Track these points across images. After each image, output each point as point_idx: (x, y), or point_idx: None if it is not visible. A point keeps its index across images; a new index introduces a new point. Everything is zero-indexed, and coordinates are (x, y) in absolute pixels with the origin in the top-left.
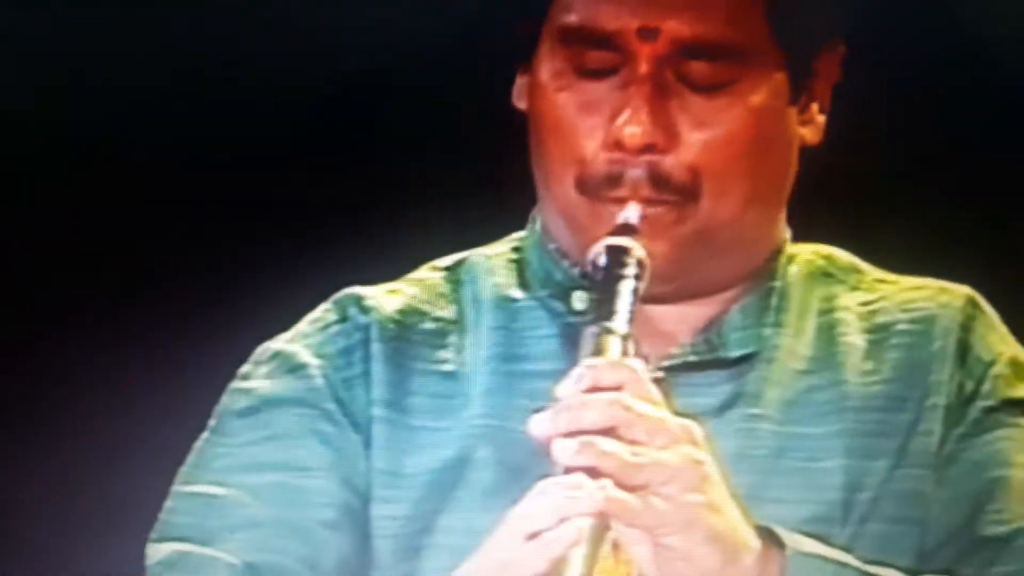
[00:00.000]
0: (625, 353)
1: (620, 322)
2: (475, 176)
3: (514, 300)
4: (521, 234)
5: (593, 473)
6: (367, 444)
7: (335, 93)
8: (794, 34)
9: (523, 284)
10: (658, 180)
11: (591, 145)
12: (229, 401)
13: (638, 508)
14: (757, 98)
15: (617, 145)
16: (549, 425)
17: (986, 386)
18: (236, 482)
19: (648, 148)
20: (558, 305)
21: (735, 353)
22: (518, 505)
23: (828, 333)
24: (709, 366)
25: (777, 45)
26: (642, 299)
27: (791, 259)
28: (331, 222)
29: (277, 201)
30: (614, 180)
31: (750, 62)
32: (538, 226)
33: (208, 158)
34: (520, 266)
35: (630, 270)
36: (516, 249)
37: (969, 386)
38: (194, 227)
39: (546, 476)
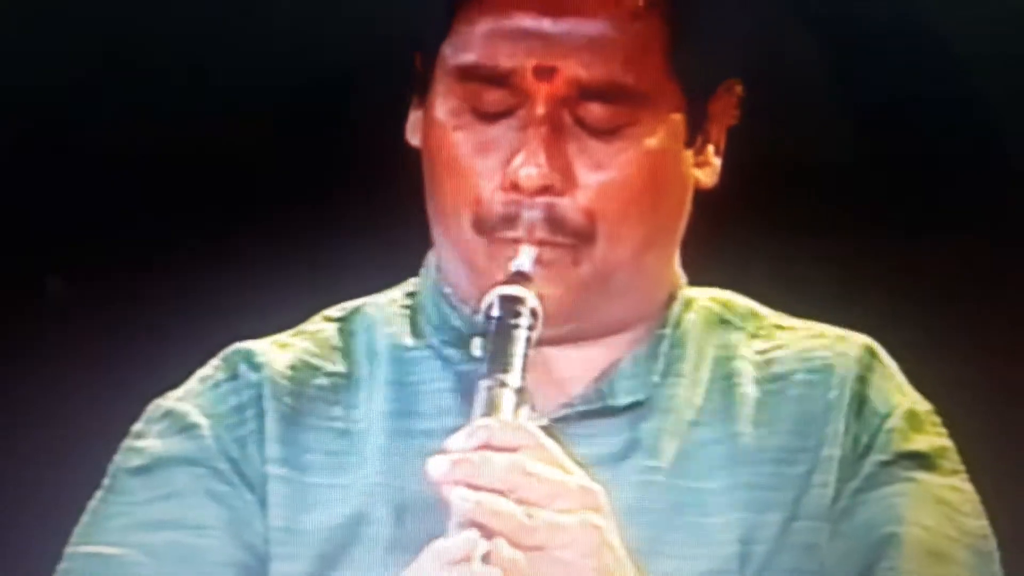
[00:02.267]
0: (519, 407)
1: (514, 375)
2: (373, 216)
3: (409, 350)
4: (415, 280)
5: (486, 532)
6: (262, 503)
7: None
8: (692, 73)
9: (416, 333)
10: (554, 222)
11: (488, 186)
12: (122, 459)
13: (531, 571)
14: (654, 141)
15: (513, 187)
16: (447, 471)
17: (880, 439)
18: (132, 541)
19: (544, 190)
20: (453, 353)
21: (623, 402)
22: (412, 569)
23: (724, 383)
24: (601, 415)
25: (675, 86)
26: (537, 342)
27: (688, 305)
28: (224, 268)
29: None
30: (510, 221)
31: (648, 104)
32: (432, 270)
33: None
34: (414, 313)
35: (523, 320)
36: (411, 295)
37: (864, 439)
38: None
39: (440, 533)
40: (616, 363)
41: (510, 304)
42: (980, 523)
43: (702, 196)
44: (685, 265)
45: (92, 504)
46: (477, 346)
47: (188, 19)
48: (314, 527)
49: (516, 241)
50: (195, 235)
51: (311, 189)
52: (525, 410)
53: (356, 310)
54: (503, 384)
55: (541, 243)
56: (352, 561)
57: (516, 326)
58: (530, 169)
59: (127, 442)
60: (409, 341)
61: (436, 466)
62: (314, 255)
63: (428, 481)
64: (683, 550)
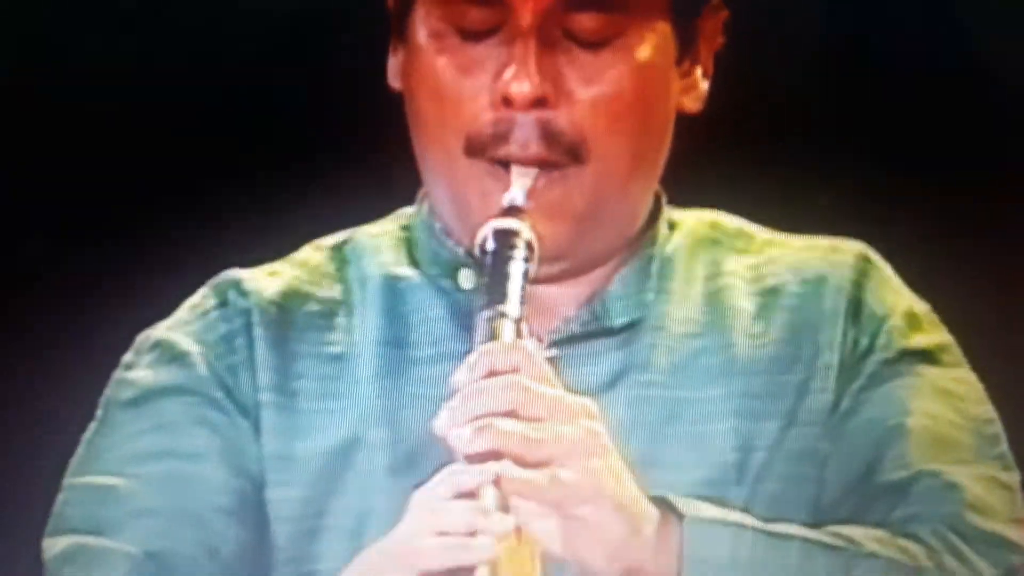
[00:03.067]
0: (519, 335)
1: (512, 305)
2: (363, 153)
3: (402, 279)
4: (409, 211)
5: (495, 454)
6: (256, 429)
7: (225, 72)
8: None
9: (411, 262)
10: (548, 136)
11: (476, 105)
12: (114, 392)
13: (544, 483)
14: (643, 53)
15: (505, 102)
16: (449, 419)
17: (881, 339)
18: (128, 472)
19: (537, 102)
20: (447, 283)
21: (619, 322)
22: (424, 491)
23: (716, 298)
24: (595, 336)
25: (664, 2)
26: (533, 275)
27: (674, 226)
28: (214, 201)
29: (159, 176)
30: (502, 138)
31: (636, 15)
32: (425, 206)
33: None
34: (408, 244)
35: (519, 252)
36: (404, 227)
37: (864, 342)
38: (74, 213)
39: (440, 461)
40: (603, 287)
41: (505, 237)
42: (985, 408)
43: (688, 120)
44: (670, 189)
45: (87, 436)
46: (466, 277)
47: None
48: (308, 453)
49: (509, 159)
50: (182, 171)
51: (299, 133)
52: (525, 340)
53: (347, 239)
54: (503, 315)
55: (536, 160)
56: (347, 486)
57: (512, 258)
58: (522, 82)
59: (117, 374)
60: (401, 271)
61: (440, 422)
62: (303, 199)
63: (437, 438)
64: (680, 457)
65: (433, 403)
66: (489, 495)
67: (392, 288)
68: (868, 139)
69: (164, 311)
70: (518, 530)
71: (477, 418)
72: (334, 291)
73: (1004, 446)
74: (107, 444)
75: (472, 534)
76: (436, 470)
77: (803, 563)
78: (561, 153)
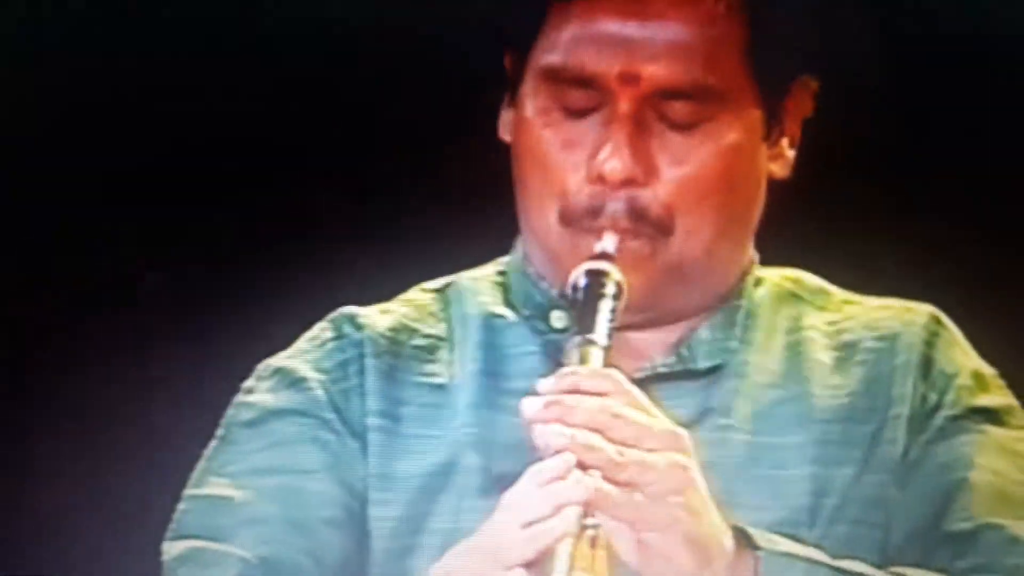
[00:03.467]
0: (606, 364)
1: (601, 335)
2: (467, 201)
3: (499, 318)
4: (505, 259)
5: (579, 466)
6: (363, 451)
7: (337, 116)
8: (769, 74)
9: (508, 304)
10: (636, 213)
11: (574, 179)
12: (235, 413)
13: (622, 502)
14: (732, 136)
15: (599, 179)
16: (540, 410)
17: (950, 396)
18: (244, 484)
19: (628, 183)
20: (539, 324)
21: (703, 365)
22: (511, 491)
23: (795, 350)
24: (679, 378)
25: (752, 84)
26: (617, 327)
27: (759, 281)
28: (331, 245)
29: (277, 224)
30: (595, 212)
31: (726, 102)
32: (520, 252)
33: (208, 173)
34: (504, 288)
35: (609, 289)
36: (500, 272)
37: (933, 397)
38: (194, 249)
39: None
40: (693, 331)
41: (597, 276)
42: None
43: (777, 183)
44: (760, 247)
45: (207, 453)
46: (557, 318)
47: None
48: (407, 474)
49: (600, 231)
50: (304, 220)
51: (408, 183)
52: (616, 372)
53: (450, 283)
54: (590, 342)
55: (624, 232)
56: (442, 506)
57: (602, 295)
58: (615, 163)
59: (239, 398)
60: (499, 310)
61: (530, 405)
62: (412, 246)
63: (521, 419)
64: (757, 500)
65: (521, 431)
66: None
67: (490, 325)
68: (939, 202)
69: (280, 346)
70: (594, 538)
71: (567, 426)
72: (438, 328)
73: None
74: (226, 459)
75: (553, 514)
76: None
77: None
78: (649, 228)
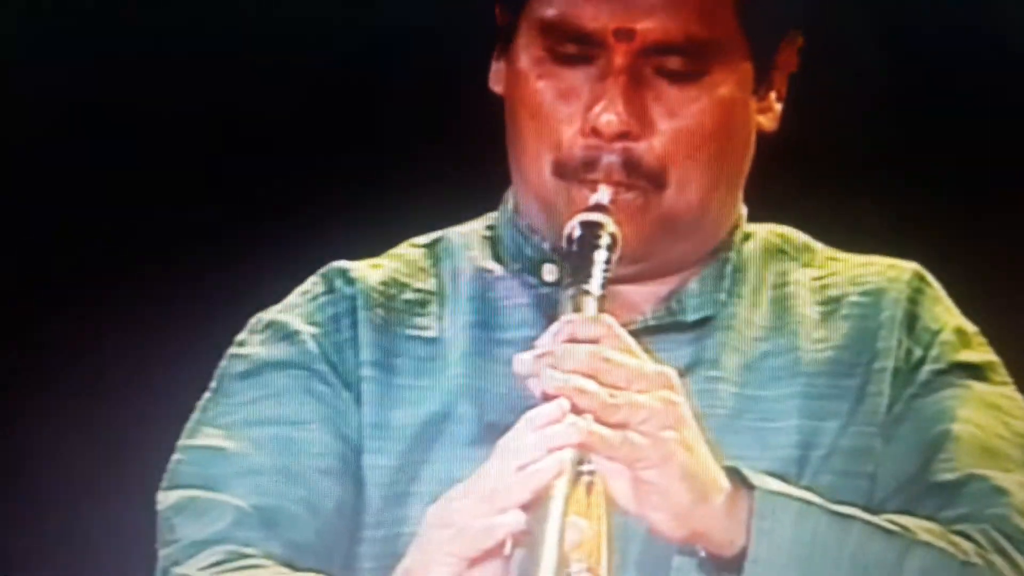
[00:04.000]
0: (601, 311)
1: (595, 285)
2: (454, 157)
3: (489, 272)
4: (495, 213)
5: (573, 410)
6: (357, 401)
7: (322, 77)
8: (760, 28)
9: (497, 258)
10: (630, 165)
11: (568, 131)
12: (228, 365)
13: (617, 442)
14: (725, 89)
15: (594, 132)
16: (531, 365)
17: (934, 351)
18: (238, 435)
19: (622, 136)
20: (530, 278)
21: (692, 317)
22: (506, 437)
23: (782, 304)
24: (669, 330)
25: (744, 39)
26: (610, 279)
27: (748, 236)
28: (319, 201)
29: (266, 181)
30: (589, 164)
31: (719, 55)
32: (510, 205)
33: (198, 141)
34: (494, 242)
35: (603, 240)
36: (490, 227)
37: (917, 352)
38: (190, 209)
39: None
40: (684, 284)
41: (591, 228)
42: None
43: (765, 138)
44: (747, 202)
45: (201, 404)
46: (549, 271)
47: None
48: (402, 423)
49: (594, 183)
50: (293, 177)
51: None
52: (608, 318)
53: (439, 238)
54: (586, 292)
55: (618, 184)
56: (436, 454)
57: (597, 246)
58: (610, 116)
59: (231, 350)
60: (490, 264)
61: (522, 362)
62: (403, 201)
63: (516, 376)
64: (745, 451)
65: (513, 380)
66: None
67: (481, 279)
68: (925, 168)
69: (275, 299)
70: (589, 484)
71: (560, 373)
72: (429, 283)
73: None
74: (220, 411)
75: (548, 456)
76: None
77: (862, 543)
78: (643, 180)
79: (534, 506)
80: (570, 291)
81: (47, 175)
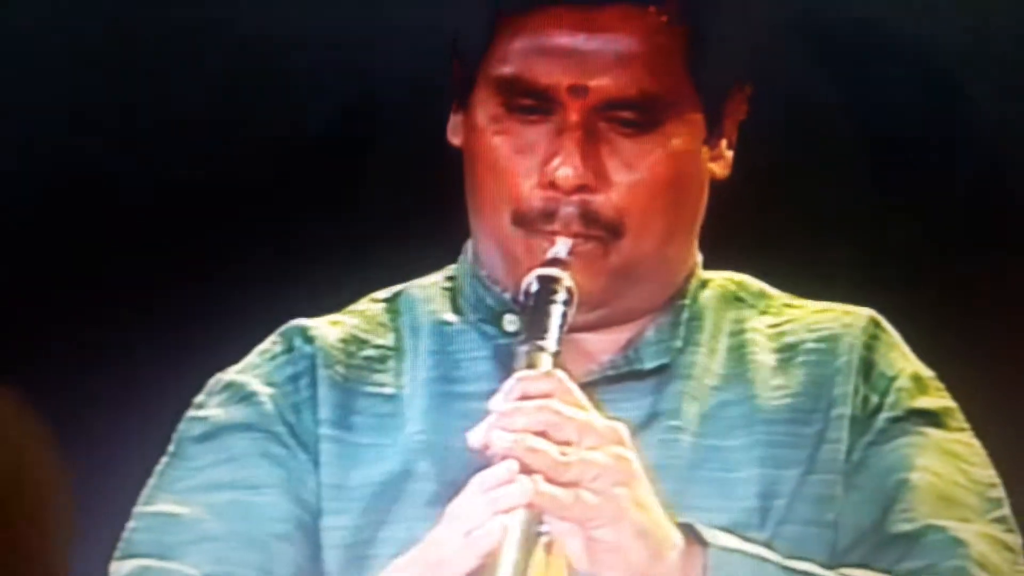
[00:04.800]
0: (557, 366)
1: (551, 340)
2: (414, 209)
3: (449, 324)
4: (454, 265)
5: (524, 470)
6: (316, 462)
7: (277, 134)
8: (709, 80)
9: (456, 310)
10: (588, 217)
11: (526, 184)
12: (186, 428)
13: (568, 501)
14: (677, 140)
15: (552, 185)
16: (484, 434)
17: (890, 398)
18: (194, 501)
19: (580, 189)
20: (489, 328)
21: (649, 365)
22: (455, 501)
23: (739, 352)
24: (627, 378)
25: (694, 91)
26: (569, 328)
27: (704, 284)
28: (279, 257)
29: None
30: (548, 216)
31: (671, 107)
32: (469, 256)
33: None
34: (454, 294)
35: (560, 296)
36: (450, 278)
37: (874, 399)
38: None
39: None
40: (641, 333)
41: (548, 283)
42: (988, 472)
43: (719, 187)
44: (703, 249)
45: (158, 469)
46: (510, 321)
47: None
48: (360, 483)
49: (553, 234)
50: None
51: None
52: (560, 373)
53: (400, 292)
54: (540, 348)
55: (576, 235)
56: (395, 515)
57: (553, 301)
58: (567, 170)
59: (190, 412)
60: (449, 317)
61: (475, 435)
62: (354, 255)
63: (471, 448)
64: (706, 502)
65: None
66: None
67: (440, 332)
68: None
69: (233, 360)
70: (548, 545)
71: (512, 431)
72: (388, 339)
73: (1007, 509)
74: (176, 475)
75: (493, 520)
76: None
77: None
78: (600, 230)
79: (483, 572)
80: (525, 347)
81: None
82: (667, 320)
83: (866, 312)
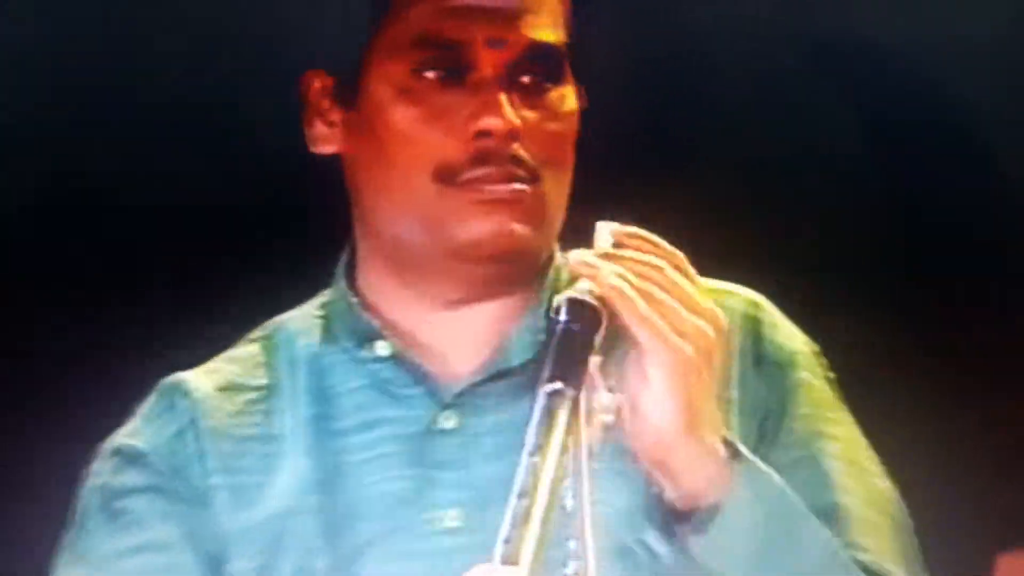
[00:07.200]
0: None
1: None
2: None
3: (323, 356)
4: (327, 292)
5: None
6: (212, 512)
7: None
8: (572, 34)
9: (330, 339)
10: (517, 160)
11: (450, 142)
12: (86, 498)
13: (678, 345)
14: (570, 99)
15: (482, 135)
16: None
17: (776, 378)
18: (107, 569)
19: (511, 134)
20: (363, 354)
21: (516, 362)
22: None
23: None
24: (498, 378)
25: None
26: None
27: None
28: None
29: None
30: (480, 160)
31: (564, 69)
32: (341, 280)
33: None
34: (327, 321)
35: (598, 338)
36: (322, 306)
37: (761, 379)
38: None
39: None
40: (508, 332)
41: (576, 308)
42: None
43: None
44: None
45: (66, 542)
46: (383, 347)
47: None
48: (252, 523)
49: (484, 178)
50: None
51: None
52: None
53: (278, 326)
54: (563, 395)
55: (510, 178)
56: (288, 551)
57: (590, 344)
58: (495, 120)
59: (87, 483)
60: (322, 348)
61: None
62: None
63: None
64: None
65: (358, 468)
66: None
67: (315, 367)
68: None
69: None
70: None
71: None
72: (266, 378)
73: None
74: (85, 546)
75: None
76: (368, 531)
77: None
78: (527, 173)
79: None
80: (549, 387)
81: None
82: (532, 314)
83: (748, 292)
